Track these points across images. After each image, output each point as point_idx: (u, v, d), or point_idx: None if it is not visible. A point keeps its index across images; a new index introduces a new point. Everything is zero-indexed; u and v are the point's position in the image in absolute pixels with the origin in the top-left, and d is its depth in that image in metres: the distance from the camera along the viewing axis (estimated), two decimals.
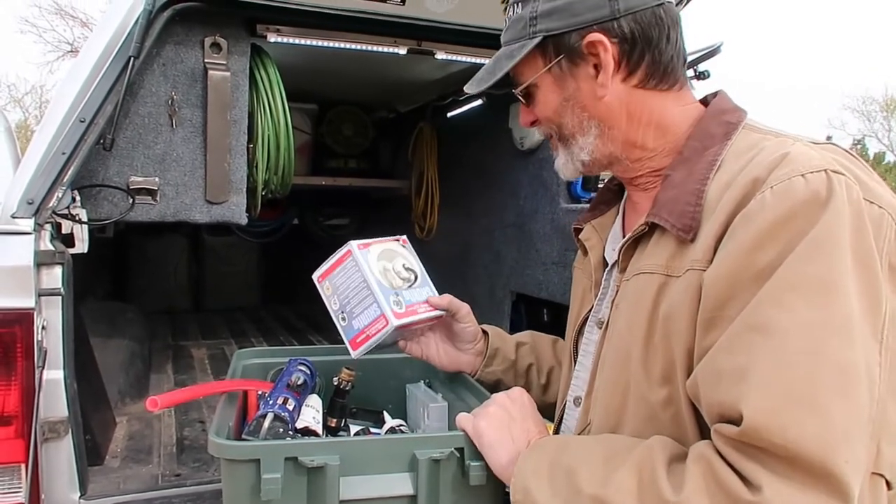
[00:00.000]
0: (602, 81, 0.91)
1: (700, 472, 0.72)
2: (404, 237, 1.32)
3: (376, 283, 1.18)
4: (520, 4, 0.95)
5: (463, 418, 1.02)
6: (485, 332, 1.32)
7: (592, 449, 0.86)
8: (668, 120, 0.94)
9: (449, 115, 3.10)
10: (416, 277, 1.25)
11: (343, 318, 1.21)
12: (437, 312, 1.25)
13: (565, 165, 1.01)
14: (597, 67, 0.91)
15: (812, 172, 0.74)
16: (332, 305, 1.22)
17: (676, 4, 1.15)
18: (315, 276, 1.24)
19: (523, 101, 1.01)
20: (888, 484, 0.76)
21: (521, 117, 1.04)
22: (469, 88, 1.01)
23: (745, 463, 0.69)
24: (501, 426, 0.98)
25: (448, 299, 1.27)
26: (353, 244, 1.20)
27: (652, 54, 0.91)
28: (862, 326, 0.70)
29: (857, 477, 0.67)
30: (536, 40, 0.92)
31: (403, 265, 1.25)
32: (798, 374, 0.68)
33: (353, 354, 1.21)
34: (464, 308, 1.27)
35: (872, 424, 0.70)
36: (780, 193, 0.74)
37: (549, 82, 0.96)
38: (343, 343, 1.23)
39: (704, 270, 0.78)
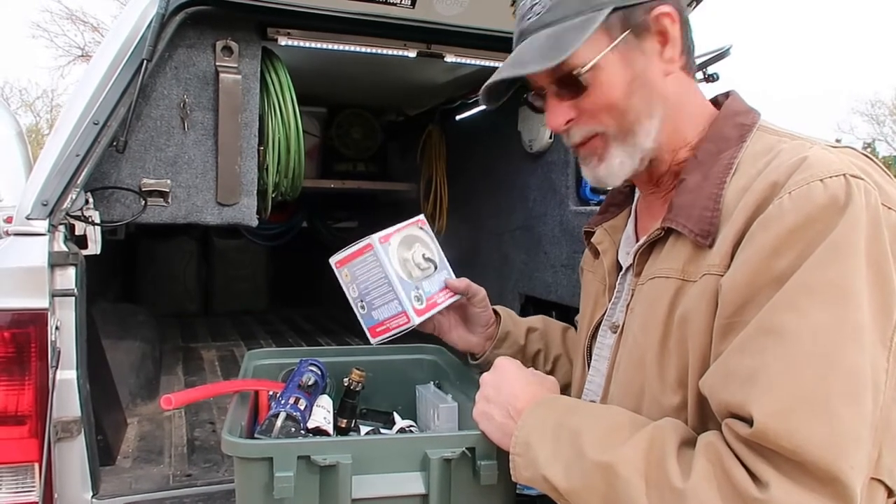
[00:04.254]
0: (670, 56, 0.88)
1: (709, 462, 0.72)
2: (422, 218, 1.32)
3: (397, 278, 1.17)
4: None
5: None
6: (497, 313, 1.33)
7: (602, 416, 0.85)
8: (700, 109, 0.94)
9: (457, 118, 3.11)
10: (434, 267, 1.26)
11: (362, 307, 1.21)
12: (456, 297, 1.27)
13: (621, 166, 0.91)
14: (662, 42, 0.88)
15: (831, 177, 0.73)
16: (350, 293, 1.22)
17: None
18: (333, 261, 1.22)
19: (562, 94, 0.90)
20: (889, 490, 0.75)
21: (555, 117, 0.91)
22: (515, 71, 0.88)
23: (754, 460, 0.69)
24: (488, 403, 0.98)
25: (466, 283, 1.28)
26: (375, 238, 1.19)
27: (689, 33, 0.91)
28: (872, 331, 0.70)
29: (860, 482, 0.68)
30: (605, 12, 0.85)
31: (423, 255, 1.25)
32: (808, 378, 0.68)
33: (373, 342, 1.22)
34: (480, 292, 1.29)
35: (875, 430, 0.70)
36: (798, 199, 0.73)
37: (616, 61, 0.87)
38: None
39: (721, 275, 0.78)
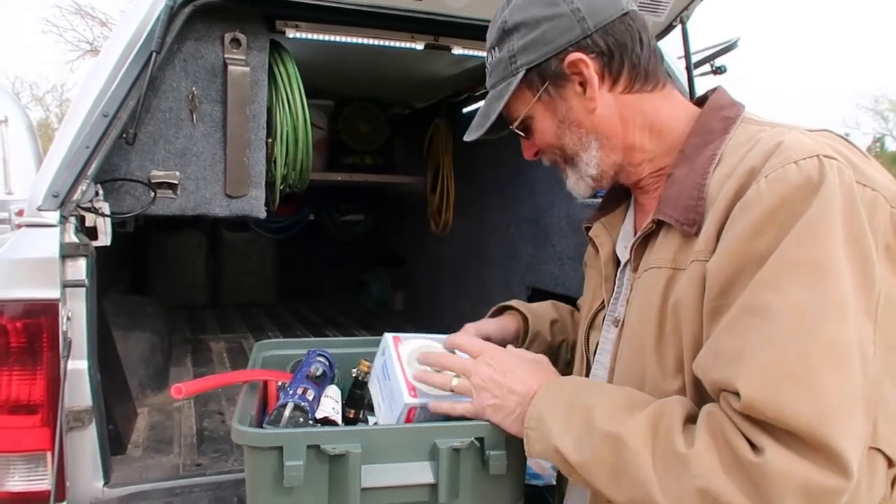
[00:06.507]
0: (590, 95, 0.95)
1: (710, 430, 0.75)
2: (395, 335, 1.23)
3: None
4: (496, 49, 1.00)
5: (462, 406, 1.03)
6: (517, 310, 1.30)
7: (612, 394, 0.89)
8: (663, 118, 0.97)
9: (464, 110, 3.11)
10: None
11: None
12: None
13: (577, 184, 1.04)
14: (582, 84, 0.95)
15: (804, 159, 0.76)
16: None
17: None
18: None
19: (523, 135, 1.05)
20: (889, 461, 0.77)
21: (525, 151, 1.08)
22: (468, 136, 1.05)
23: (750, 429, 0.72)
24: (497, 391, 0.98)
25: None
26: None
27: (630, 59, 0.95)
28: (855, 305, 0.72)
29: (854, 450, 0.69)
30: (520, 75, 0.97)
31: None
32: (791, 352, 0.71)
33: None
34: (510, 336, 1.27)
35: (867, 402, 0.72)
36: (774, 181, 0.76)
37: (542, 110, 0.99)
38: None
39: (707, 261, 0.81)
